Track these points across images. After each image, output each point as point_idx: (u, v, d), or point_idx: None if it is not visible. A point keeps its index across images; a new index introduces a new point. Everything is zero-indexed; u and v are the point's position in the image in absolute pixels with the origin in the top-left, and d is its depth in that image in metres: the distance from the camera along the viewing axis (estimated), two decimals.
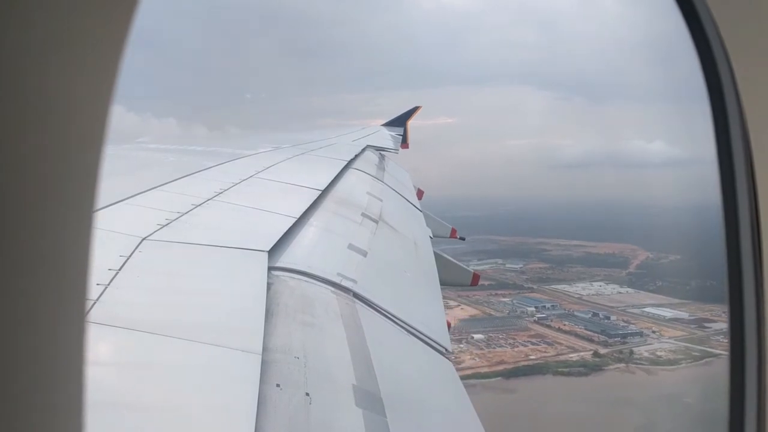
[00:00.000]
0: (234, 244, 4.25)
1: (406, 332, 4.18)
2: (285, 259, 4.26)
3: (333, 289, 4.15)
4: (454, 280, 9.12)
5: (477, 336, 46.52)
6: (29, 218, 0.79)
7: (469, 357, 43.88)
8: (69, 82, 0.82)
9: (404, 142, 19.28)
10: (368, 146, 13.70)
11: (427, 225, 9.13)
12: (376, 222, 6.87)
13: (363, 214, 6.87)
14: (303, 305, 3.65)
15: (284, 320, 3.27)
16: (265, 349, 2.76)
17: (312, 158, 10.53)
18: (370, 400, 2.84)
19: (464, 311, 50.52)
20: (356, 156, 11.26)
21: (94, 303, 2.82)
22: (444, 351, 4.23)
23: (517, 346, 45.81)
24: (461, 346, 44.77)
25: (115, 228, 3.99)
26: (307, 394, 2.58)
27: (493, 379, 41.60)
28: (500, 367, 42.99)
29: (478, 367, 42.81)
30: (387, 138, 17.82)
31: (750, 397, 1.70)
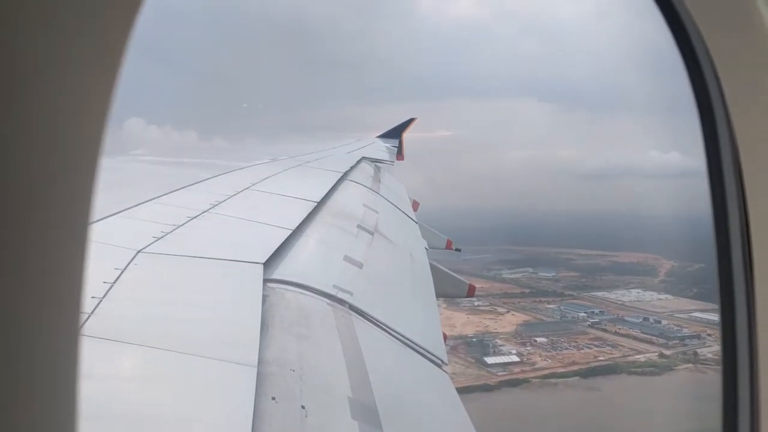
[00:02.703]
0: (229, 256, 4.25)
1: (402, 344, 4.17)
2: (280, 271, 4.25)
3: (329, 301, 4.14)
4: (450, 292, 9.11)
5: (540, 339, 48.83)
6: (23, 230, 0.79)
7: (540, 359, 46.32)
8: (65, 92, 0.83)
9: (399, 154, 19.34)
10: (363, 158, 13.73)
11: (423, 236, 9.13)
12: (372, 234, 6.88)
13: (359, 226, 6.87)
14: (299, 317, 3.64)
15: (280, 333, 3.26)
16: (260, 361, 2.75)
17: (307, 170, 10.55)
18: (366, 412, 2.83)
19: (515, 317, 53.09)
20: (352, 168, 11.29)
21: (89, 316, 2.81)
22: (440, 363, 4.22)
23: (582, 348, 47.99)
24: (528, 348, 47.69)
25: (111, 240, 3.98)
26: (303, 407, 2.57)
27: (572, 378, 43.80)
28: (574, 368, 45.13)
29: (554, 367, 45.15)
30: (382, 150, 17.87)
31: (743, 400, 1.71)
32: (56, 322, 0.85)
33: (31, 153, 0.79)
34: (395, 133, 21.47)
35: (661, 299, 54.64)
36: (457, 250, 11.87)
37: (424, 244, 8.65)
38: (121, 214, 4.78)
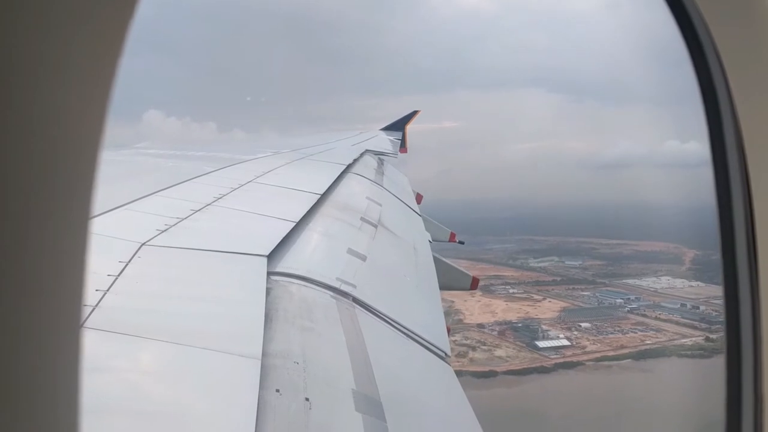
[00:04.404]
0: (233, 249, 4.25)
1: (405, 337, 4.17)
2: (284, 264, 4.26)
3: (332, 293, 4.15)
4: (454, 284, 9.12)
5: (584, 324, 50.40)
6: (24, 226, 0.79)
7: (589, 342, 48.01)
8: (63, 87, 0.82)
9: (403, 147, 19.33)
10: (367, 151, 13.71)
11: (426, 229, 9.13)
12: (375, 226, 6.88)
13: (362, 219, 6.87)
14: (302, 310, 3.65)
15: (283, 325, 3.27)
16: (264, 354, 2.76)
17: (311, 163, 10.54)
18: (369, 404, 2.84)
19: (553, 304, 54.88)
20: (355, 160, 11.27)
21: (94, 309, 2.82)
22: (444, 355, 4.22)
23: (628, 333, 49.17)
24: (575, 333, 49.47)
25: (115, 233, 3.99)
26: (307, 399, 2.58)
27: (624, 361, 45.12)
28: (624, 351, 46.49)
29: (604, 351, 46.63)
30: (386, 142, 17.85)
31: (746, 396, 1.71)
32: (58, 317, 0.85)
33: (31, 149, 0.79)
34: (399, 126, 21.46)
35: (692, 286, 55.13)
36: (461, 242, 11.87)
37: (428, 236, 8.65)
38: (125, 207, 4.79)
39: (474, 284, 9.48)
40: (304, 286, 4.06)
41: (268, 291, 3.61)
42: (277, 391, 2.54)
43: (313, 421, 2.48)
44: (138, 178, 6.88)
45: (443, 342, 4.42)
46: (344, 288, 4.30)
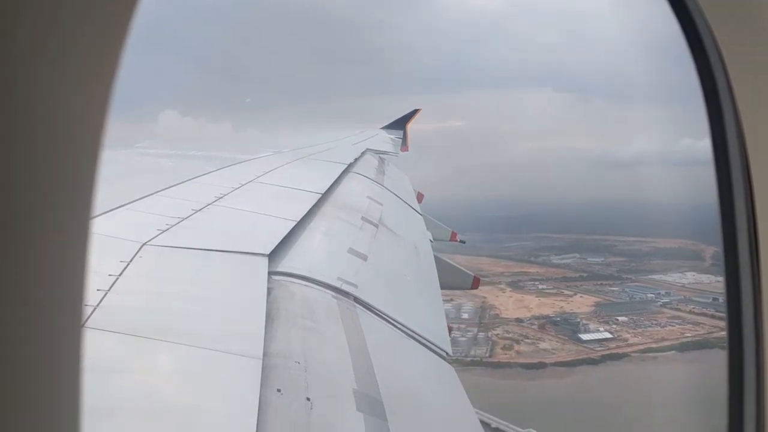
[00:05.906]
0: (234, 248, 4.25)
1: (406, 336, 4.17)
2: (285, 264, 4.26)
3: (333, 293, 4.15)
4: (455, 284, 9.10)
5: (621, 318, 50.64)
6: (25, 225, 0.79)
7: (630, 336, 48.31)
8: (65, 88, 0.82)
9: (404, 145, 19.34)
10: (368, 150, 13.70)
11: (428, 229, 9.12)
12: (376, 226, 6.87)
13: (363, 218, 6.87)
14: (303, 310, 3.65)
15: (284, 325, 3.27)
16: (265, 353, 2.76)
17: (312, 162, 10.54)
18: (371, 404, 2.84)
19: (584, 299, 55.10)
20: (356, 160, 11.27)
21: (95, 308, 2.82)
22: (445, 355, 4.22)
23: (666, 326, 49.12)
24: (613, 326, 49.73)
25: (116, 233, 3.99)
26: (308, 399, 2.58)
27: (668, 353, 45.52)
28: (666, 343, 46.93)
29: (646, 343, 47.00)
30: (387, 141, 17.84)
31: (749, 394, 1.70)
32: (59, 317, 0.85)
33: (32, 148, 0.79)
34: (399, 125, 21.46)
35: (719, 281, 54.94)
36: (462, 242, 11.86)
37: (429, 236, 8.64)
38: (126, 206, 4.79)
39: (475, 284, 9.45)
40: (305, 285, 4.06)
41: (269, 291, 3.61)
42: (279, 390, 2.54)
43: (314, 420, 2.48)
44: (139, 177, 6.88)
45: (444, 341, 4.42)
46: (345, 288, 4.30)
